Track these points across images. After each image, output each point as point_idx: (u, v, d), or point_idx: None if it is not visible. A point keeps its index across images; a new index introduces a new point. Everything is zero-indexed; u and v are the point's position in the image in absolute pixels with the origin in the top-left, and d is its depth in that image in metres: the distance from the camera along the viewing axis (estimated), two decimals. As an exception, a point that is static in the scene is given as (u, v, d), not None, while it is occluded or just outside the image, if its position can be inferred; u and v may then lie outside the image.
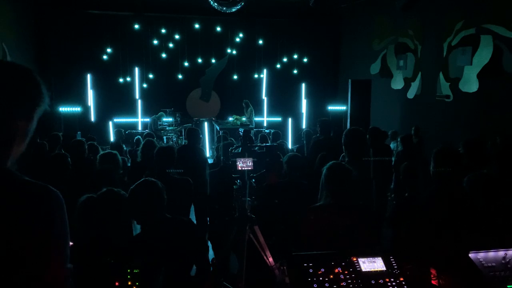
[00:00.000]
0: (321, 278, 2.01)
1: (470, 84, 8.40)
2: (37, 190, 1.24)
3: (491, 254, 2.06)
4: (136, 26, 12.77)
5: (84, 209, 2.57)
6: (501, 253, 2.07)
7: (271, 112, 14.29)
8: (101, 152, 4.79)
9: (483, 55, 8.05)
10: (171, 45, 13.45)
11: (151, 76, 13.53)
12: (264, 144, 5.30)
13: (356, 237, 2.68)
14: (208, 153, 12.04)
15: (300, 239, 2.84)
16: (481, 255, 2.06)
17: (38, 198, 1.23)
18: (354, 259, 2.11)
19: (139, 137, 8.43)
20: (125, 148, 8.14)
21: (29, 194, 1.23)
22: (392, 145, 9.00)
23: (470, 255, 2.06)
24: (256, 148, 2.89)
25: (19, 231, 1.18)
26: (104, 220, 2.52)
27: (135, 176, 4.11)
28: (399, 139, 7.64)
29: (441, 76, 9.28)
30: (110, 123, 12.60)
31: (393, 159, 6.62)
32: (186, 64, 13.57)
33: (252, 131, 11.36)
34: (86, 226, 2.54)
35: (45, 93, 1.32)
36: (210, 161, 7.26)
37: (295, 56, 14.08)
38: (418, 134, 8.09)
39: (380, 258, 2.12)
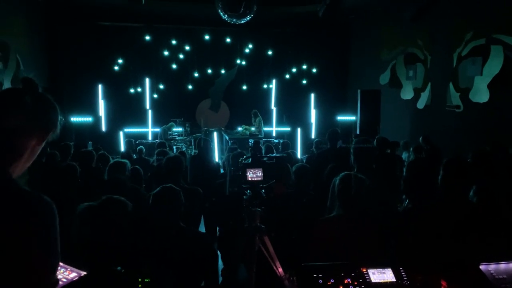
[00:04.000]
0: (330, 289, 2.01)
1: (481, 94, 8.36)
2: (29, 198, 1.31)
3: (502, 266, 2.05)
4: (147, 38, 12.94)
5: (83, 217, 2.61)
6: (512, 265, 2.06)
7: (280, 122, 14.32)
8: (111, 162, 4.85)
9: (494, 65, 8.02)
10: (181, 56, 13.60)
11: (161, 86, 13.68)
12: (274, 154, 5.32)
13: (368, 248, 2.68)
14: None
15: (312, 250, 2.83)
16: (492, 267, 2.04)
17: (29, 206, 1.30)
18: (364, 270, 2.11)
19: (142, 147, 8.51)
20: (134, 157, 8.20)
21: (22, 201, 1.29)
22: (404, 155, 8.95)
23: (481, 267, 2.05)
24: (265, 159, 2.91)
25: (7, 235, 1.24)
26: (105, 227, 2.55)
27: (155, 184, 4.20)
28: (411, 149, 7.59)
29: (451, 86, 9.24)
30: (121, 133, 12.72)
31: (403, 169, 6.58)
32: (196, 74, 13.69)
33: (261, 141, 11.38)
34: (86, 234, 2.57)
35: (59, 123, 1.50)
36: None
37: (304, 67, 14.14)
38: (429, 143, 7.99)
39: (389, 269, 2.12)
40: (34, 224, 1.28)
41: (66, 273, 2.27)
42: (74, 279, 2.24)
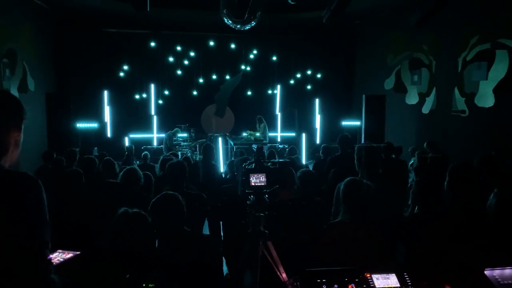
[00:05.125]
0: (334, 294, 2.01)
1: (486, 99, 8.33)
2: (17, 176, 1.53)
3: (507, 271, 2.04)
4: (152, 44, 13.03)
5: (119, 223, 2.64)
6: (517, 270, 2.04)
7: (284, 127, 14.33)
8: (126, 168, 4.85)
9: (499, 70, 7.99)
10: (186, 62, 13.68)
11: (166, 92, 13.75)
12: (277, 160, 5.33)
13: (374, 253, 2.67)
14: (222, 168, 12.09)
15: (317, 255, 2.83)
16: (497, 272, 2.03)
17: (17, 182, 1.52)
18: (368, 275, 2.11)
19: (147, 153, 8.56)
20: (136, 163, 8.22)
21: (11, 179, 1.52)
22: (412, 161, 8.91)
23: (485, 272, 2.04)
24: (269, 164, 2.91)
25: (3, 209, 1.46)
26: (133, 237, 2.59)
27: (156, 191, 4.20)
28: (416, 155, 7.56)
29: (456, 91, 9.22)
30: (126, 139, 12.77)
31: (411, 175, 6.57)
32: (201, 80, 13.75)
33: (265, 146, 11.39)
34: (116, 240, 2.60)
35: (25, 108, 1.68)
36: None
37: (309, 72, 14.16)
38: (435, 148, 7.95)
39: (394, 275, 2.11)
40: (23, 197, 1.49)
41: (63, 255, 2.42)
42: (70, 257, 2.36)
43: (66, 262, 2.43)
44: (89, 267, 2.40)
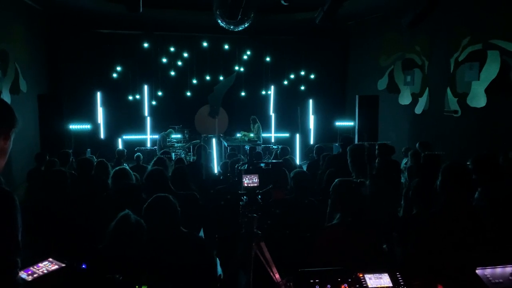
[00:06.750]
0: (327, 295, 2.01)
1: (478, 99, 8.39)
2: None
3: (499, 270, 2.05)
4: (146, 45, 12.98)
5: (120, 226, 2.62)
6: (508, 269, 2.06)
7: (278, 128, 14.34)
8: (117, 168, 4.82)
9: (491, 70, 8.05)
10: (179, 63, 13.64)
11: (160, 93, 13.70)
12: (270, 160, 5.34)
13: (370, 254, 2.67)
14: (216, 169, 12.06)
15: (314, 258, 2.83)
16: (488, 271, 2.05)
17: None
18: (361, 275, 2.11)
19: (139, 154, 8.52)
20: (125, 165, 8.16)
21: None
22: (404, 161, 8.93)
23: (477, 271, 2.05)
24: (262, 165, 2.91)
25: None
26: (131, 243, 2.58)
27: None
28: (409, 155, 7.58)
29: (448, 91, 9.28)
30: (120, 140, 12.71)
31: (404, 175, 6.60)
32: (194, 81, 13.73)
33: (259, 147, 11.40)
34: (115, 243, 2.58)
35: (18, 117, 1.59)
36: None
37: (302, 73, 14.19)
38: (427, 148, 7.98)
39: (386, 274, 2.12)
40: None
41: (50, 266, 2.39)
42: (55, 269, 2.34)
43: (48, 274, 2.38)
44: (70, 282, 2.38)
